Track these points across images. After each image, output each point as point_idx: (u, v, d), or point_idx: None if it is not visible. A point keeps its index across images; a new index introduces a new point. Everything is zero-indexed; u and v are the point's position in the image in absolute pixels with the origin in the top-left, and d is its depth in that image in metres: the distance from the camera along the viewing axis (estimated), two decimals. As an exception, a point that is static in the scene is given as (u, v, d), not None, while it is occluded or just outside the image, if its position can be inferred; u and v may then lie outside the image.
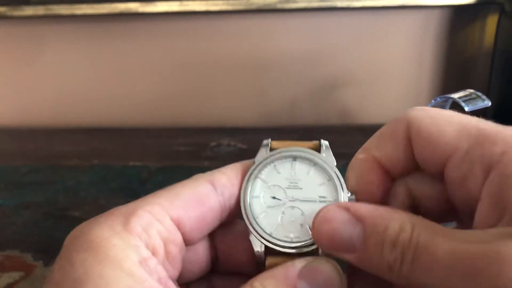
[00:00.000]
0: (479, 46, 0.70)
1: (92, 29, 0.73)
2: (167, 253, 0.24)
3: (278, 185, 0.26)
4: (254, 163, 0.27)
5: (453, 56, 0.72)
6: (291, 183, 0.26)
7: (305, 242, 0.25)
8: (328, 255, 0.24)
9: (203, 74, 0.75)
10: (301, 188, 0.26)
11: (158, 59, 0.75)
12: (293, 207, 0.26)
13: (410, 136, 0.24)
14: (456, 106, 0.50)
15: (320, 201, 0.26)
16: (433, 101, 0.52)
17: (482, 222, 0.21)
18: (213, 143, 0.69)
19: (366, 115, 0.75)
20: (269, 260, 0.25)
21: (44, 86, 0.77)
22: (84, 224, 0.23)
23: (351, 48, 0.72)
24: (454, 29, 0.70)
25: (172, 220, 0.24)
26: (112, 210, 0.24)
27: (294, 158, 0.27)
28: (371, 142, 0.26)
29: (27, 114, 0.79)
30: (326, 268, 0.23)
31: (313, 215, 0.23)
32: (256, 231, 0.25)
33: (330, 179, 0.26)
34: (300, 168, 0.26)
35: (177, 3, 0.67)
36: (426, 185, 0.25)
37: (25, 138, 0.74)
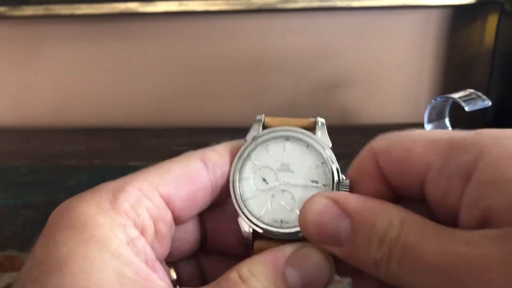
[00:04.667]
0: (479, 46, 0.70)
1: (92, 29, 0.73)
2: (156, 232, 0.23)
3: (269, 167, 0.25)
4: (245, 141, 0.26)
5: (453, 56, 0.72)
6: (282, 165, 0.25)
7: (294, 228, 0.24)
8: None
9: (203, 74, 0.75)
10: (292, 171, 0.25)
11: (157, 59, 0.75)
12: (283, 190, 0.25)
13: (381, 168, 0.23)
14: (456, 106, 0.50)
15: (312, 186, 0.24)
16: (433, 101, 0.52)
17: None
18: (213, 143, 0.68)
19: (366, 115, 0.75)
20: (257, 243, 0.24)
21: (44, 86, 0.77)
22: (70, 200, 0.22)
23: (351, 48, 0.72)
24: (454, 29, 0.70)
25: (162, 197, 0.23)
26: (99, 186, 0.23)
27: (287, 138, 0.25)
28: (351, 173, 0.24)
29: (27, 114, 0.79)
30: (315, 255, 0.22)
31: (304, 200, 0.22)
32: (244, 214, 0.24)
33: (324, 162, 0.24)
34: (293, 149, 0.25)
35: (177, 3, 0.67)
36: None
37: (25, 138, 0.74)
